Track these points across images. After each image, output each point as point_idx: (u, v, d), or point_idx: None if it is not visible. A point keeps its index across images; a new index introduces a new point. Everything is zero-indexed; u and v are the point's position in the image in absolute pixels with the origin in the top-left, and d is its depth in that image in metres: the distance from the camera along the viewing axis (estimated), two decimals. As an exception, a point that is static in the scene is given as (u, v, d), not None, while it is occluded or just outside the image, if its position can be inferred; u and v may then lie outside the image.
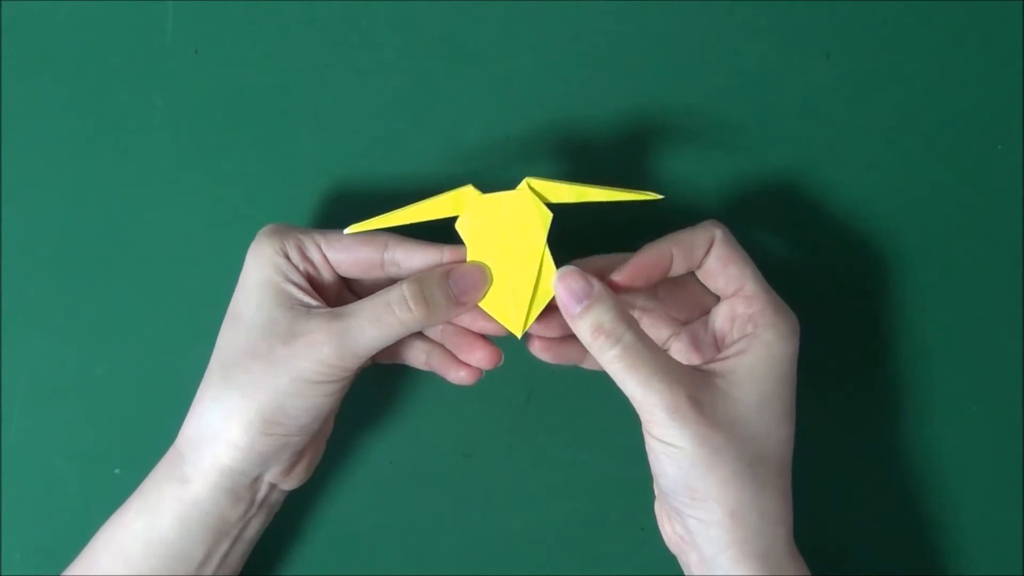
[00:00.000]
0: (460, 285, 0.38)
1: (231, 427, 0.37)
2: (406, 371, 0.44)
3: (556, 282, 0.37)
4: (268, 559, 0.44)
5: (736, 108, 0.45)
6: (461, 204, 0.38)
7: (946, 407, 0.46)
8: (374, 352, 0.38)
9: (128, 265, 0.45)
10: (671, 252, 0.38)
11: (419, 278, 0.38)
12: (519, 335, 0.39)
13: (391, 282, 0.40)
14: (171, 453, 0.39)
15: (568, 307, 0.37)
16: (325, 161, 0.45)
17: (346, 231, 0.38)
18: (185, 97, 0.45)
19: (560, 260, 0.38)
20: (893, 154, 0.46)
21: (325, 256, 0.39)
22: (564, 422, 0.45)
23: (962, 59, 0.46)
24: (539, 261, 0.38)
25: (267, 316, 0.38)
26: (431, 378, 0.44)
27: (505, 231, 0.38)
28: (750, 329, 0.37)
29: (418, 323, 0.37)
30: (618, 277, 0.38)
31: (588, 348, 0.36)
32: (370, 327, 0.37)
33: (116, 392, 0.44)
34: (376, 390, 0.45)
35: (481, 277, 0.38)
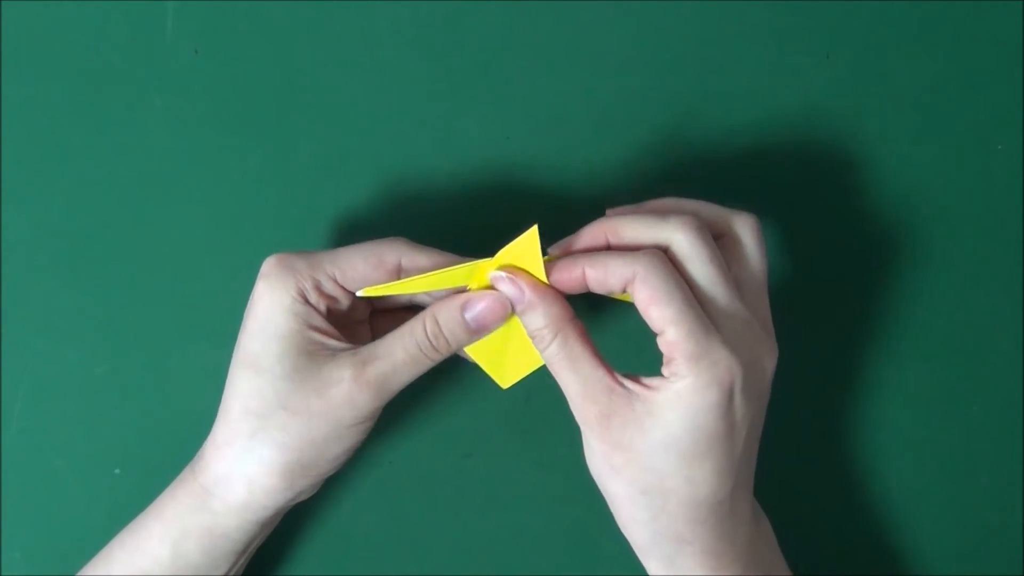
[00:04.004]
0: (476, 319, 0.38)
1: (270, 477, 0.38)
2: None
3: (495, 284, 0.37)
4: (268, 560, 0.44)
5: (736, 108, 0.45)
6: (478, 274, 0.38)
7: (946, 407, 0.46)
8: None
9: (128, 265, 0.45)
10: (583, 272, 0.36)
11: (438, 315, 0.38)
12: (504, 386, 0.40)
13: (402, 300, 0.40)
14: (193, 486, 0.39)
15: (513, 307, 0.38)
16: (326, 160, 0.45)
17: (359, 294, 0.37)
18: (185, 97, 0.45)
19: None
20: (893, 154, 0.46)
21: (340, 284, 0.38)
22: (564, 422, 0.45)
23: (962, 59, 0.46)
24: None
25: (292, 366, 0.37)
26: (431, 378, 0.44)
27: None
28: (667, 373, 0.35)
29: (444, 357, 0.38)
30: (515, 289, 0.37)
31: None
32: (407, 370, 0.38)
33: (116, 392, 0.44)
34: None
35: (495, 306, 0.38)
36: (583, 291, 0.37)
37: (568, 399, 0.37)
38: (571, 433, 0.45)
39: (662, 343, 0.35)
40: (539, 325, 0.37)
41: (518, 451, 0.45)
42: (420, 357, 0.38)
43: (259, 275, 0.38)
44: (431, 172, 0.45)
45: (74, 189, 0.45)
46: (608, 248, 0.38)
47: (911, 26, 0.46)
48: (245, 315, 0.38)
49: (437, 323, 0.38)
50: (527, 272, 0.37)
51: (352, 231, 0.45)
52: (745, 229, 0.38)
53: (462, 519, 0.45)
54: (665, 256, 0.36)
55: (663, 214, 0.37)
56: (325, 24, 0.45)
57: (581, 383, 0.36)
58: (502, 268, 0.37)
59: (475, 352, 0.39)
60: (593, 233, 0.38)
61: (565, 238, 0.38)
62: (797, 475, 0.45)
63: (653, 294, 0.35)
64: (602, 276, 0.36)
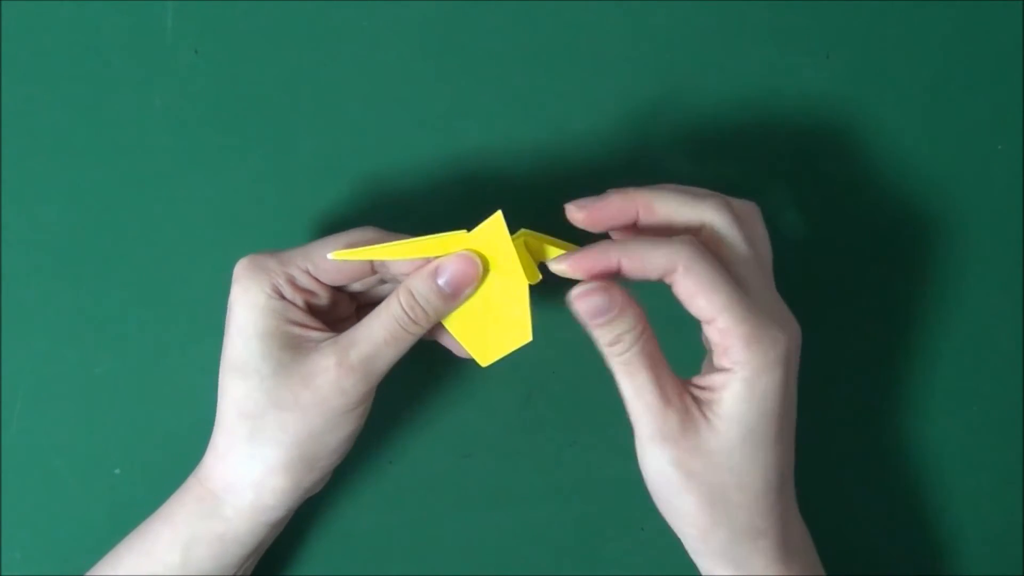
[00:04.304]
0: (450, 282, 0.37)
1: (275, 477, 0.38)
2: (405, 371, 0.44)
3: (576, 304, 0.36)
4: (268, 560, 0.44)
5: (736, 108, 0.45)
6: (450, 247, 0.37)
7: (946, 407, 0.46)
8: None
9: (128, 265, 0.45)
10: (618, 261, 0.35)
11: (411, 287, 0.37)
12: (484, 364, 0.39)
13: (381, 281, 0.40)
14: (201, 492, 0.39)
15: (590, 319, 0.36)
16: (325, 160, 0.45)
17: (330, 256, 0.37)
18: (185, 97, 0.45)
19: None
20: (892, 154, 0.46)
21: (315, 278, 0.38)
22: (564, 422, 0.45)
23: (962, 59, 0.46)
24: (519, 301, 0.38)
25: (277, 362, 0.37)
26: (431, 378, 0.44)
27: (489, 266, 0.38)
28: (727, 363, 0.35)
29: (424, 329, 0.38)
30: (558, 267, 0.36)
31: (599, 347, 0.36)
32: (389, 349, 0.37)
33: (116, 392, 0.44)
34: (376, 390, 0.44)
35: (466, 266, 0.37)
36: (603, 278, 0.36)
37: (639, 404, 0.36)
38: (571, 433, 0.45)
39: (712, 331, 0.35)
40: (624, 329, 0.35)
41: (518, 451, 0.45)
42: (401, 333, 0.37)
43: (232, 279, 0.38)
44: (432, 172, 0.45)
45: (74, 189, 0.45)
46: (635, 224, 0.37)
47: (911, 26, 0.46)
48: (225, 321, 0.38)
49: (411, 294, 0.37)
50: (612, 281, 0.36)
51: (352, 231, 0.45)
52: (752, 214, 0.38)
53: (462, 519, 0.45)
54: (703, 244, 0.36)
55: (697, 193, 0.37)
56: (325, 24, 0.45)
57: (661, 388, 0.35)
58: (590, 278, 0.36)
59: (454, 328, 0.39)
60: (621, 204, 0.37)
61: (588, 198, 0.37)
62: (794, 475, 0.45)
63: (699, 282, 0.34)
64: (639, 267, 0.35)
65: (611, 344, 0.36)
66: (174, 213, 0.45)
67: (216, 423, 0.39)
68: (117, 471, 0.44)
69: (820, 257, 0.45)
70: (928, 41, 0.46)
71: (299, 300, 0.38)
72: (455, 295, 0.37)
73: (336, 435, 0.38)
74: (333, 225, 0.45)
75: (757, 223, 0.38)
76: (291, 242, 0.44)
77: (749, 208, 0.38)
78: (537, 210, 0.45)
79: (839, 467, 0.45)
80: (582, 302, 0.35)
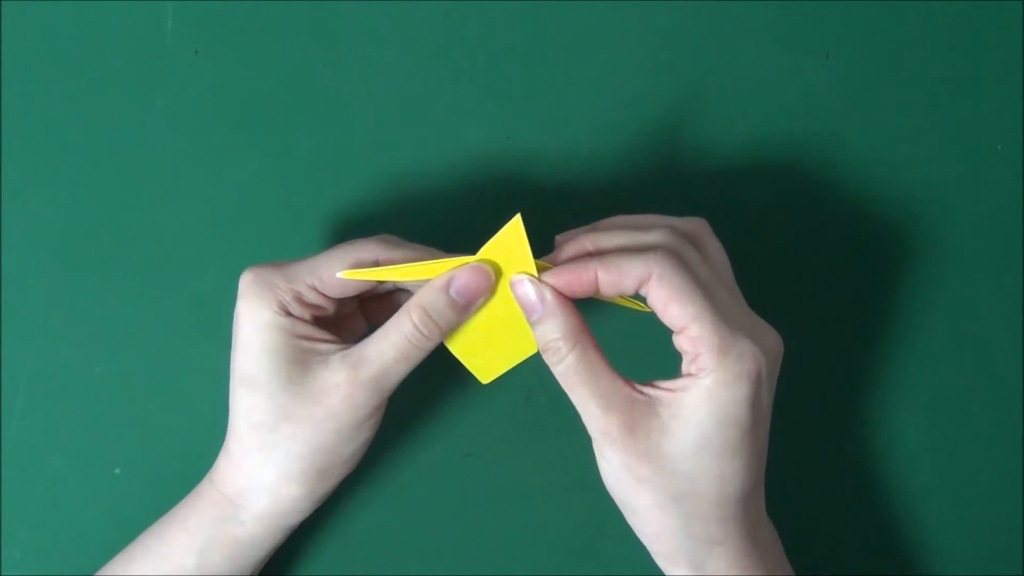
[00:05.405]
0: (462, 293, 0.37)
1: (290, 487, 0.38)
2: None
3: (512, 289, 0.37)
4: (269, 559, 0.44)
5: (736, 108, 0.45)
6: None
7: (946, 407, 0.46)
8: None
9: (128, 265, 0.45)
10: (594, 275, 0.35)
11: (423, 303, 0.37)
12: (484, 382, 0.39)
13: (389, 288, 0.40)
14: (217, 497, 0.39)
15: (526, 313, 0.37)
16: (325, 161, 0.45)
17: (340, 275, 0.37)
18: (185, 97, 0.45)
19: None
20: (892, 154, 0.46)
21: (321, 292, 0.38)
22: (564, 422, 0.45)
23: (962, 59, 0.46)
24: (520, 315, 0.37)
25: (287, 378, 0.37)
26: (431, 378, 0.44)
27: (502, 275, 0.37)
28: (694, 370, 0.35)
29: (436, 343, 0.38)
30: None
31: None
32: (399, 365, 0.37)
33: (116, 392, 0.44)
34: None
35: (478, 276, 0.37)
36: (590, 296, 0.36)
37: (584, 414, 0.36)
38: (571, 432, 0.45)
39: (684, 340, 0.35)
40: (556, 336, 0.36)
41: (518, 451, 0.45)
42: (412, 349, 0.37)
43: (238, 293, 0.38)
44: (432, 171, 0.45)
45: (74, 189, 0.45)
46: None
47: (911, 26, 0.46)
48: (233, 333, 0.38)
49: (424, 311, 0.37)
50: (541, 280, 0.36)
51: (353, 230, 0.45)
52: (703, 231, 0.38)
53: (462, 519, 0.45)
54: (678, 254, 0.36)
55: (642, 225, 0.37)
56: (325, 24, 0.45)
57: (601, 396, 0.36)
58: (523, 272, 0.36)
59: (455, 347, 0.39)
60: (574, 250, 0.37)
61: (544, 257, 0.38)
62: (795, 476, 0.45)
63: (673, 291, 0.35)
64: (616, 278, 0.35)
65: (543, 350, 0.37)
66: (174, 213, 0.45)
67: (228, 430, 0.39)
68: (117, 471, 0.44)
69: (818, 257, 0.45)
70: (928, 41, 0.46)
71: (306, 315, 0.38)
72: (468, 306, 0.37)
73: (349, 447, 0.38)
74: (333, 225, 0.45)
75: (708, 239, 0.38)
76: (291, 243, 0.45)
77: (697, 225, 0.38)
78: (539, 208, 0.45)
79: (836, 469, 0.45)
80: (516, 287, 0.36)
